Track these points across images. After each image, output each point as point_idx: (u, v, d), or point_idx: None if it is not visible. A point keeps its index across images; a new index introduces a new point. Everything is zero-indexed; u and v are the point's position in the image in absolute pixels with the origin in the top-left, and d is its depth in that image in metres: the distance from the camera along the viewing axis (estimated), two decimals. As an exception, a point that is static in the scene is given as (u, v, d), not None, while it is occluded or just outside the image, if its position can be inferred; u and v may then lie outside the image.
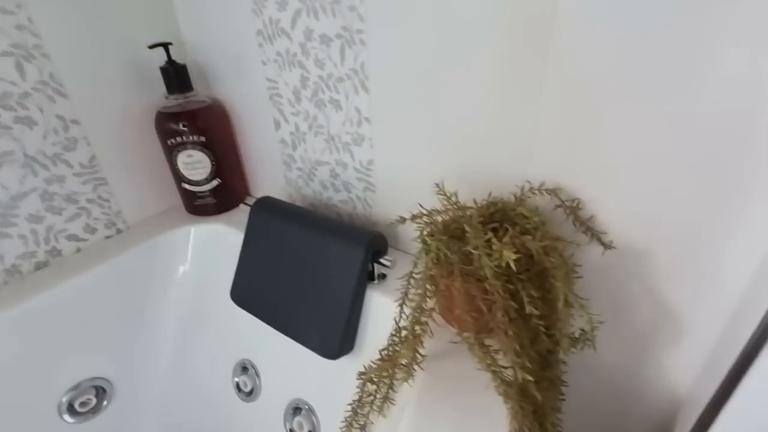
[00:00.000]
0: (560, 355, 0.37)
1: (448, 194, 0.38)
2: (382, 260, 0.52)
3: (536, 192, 0.40)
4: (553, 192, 0.39)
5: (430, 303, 0.39)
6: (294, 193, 0.70)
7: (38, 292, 0.58)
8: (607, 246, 0.40)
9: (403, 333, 0.40)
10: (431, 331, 0.38)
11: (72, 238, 0.64)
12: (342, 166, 0.60)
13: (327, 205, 0.66)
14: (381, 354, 0.43)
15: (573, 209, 0.40)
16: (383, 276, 0.56)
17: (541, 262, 0.36)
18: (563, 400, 0.47)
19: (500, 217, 0.38)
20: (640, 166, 0.36)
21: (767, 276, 0.32)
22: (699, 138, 0.33)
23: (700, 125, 0.32)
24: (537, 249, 0.34)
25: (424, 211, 0.37)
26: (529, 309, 0.35)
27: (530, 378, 0.35)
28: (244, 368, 0.68)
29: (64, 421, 0.62)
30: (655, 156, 0.35)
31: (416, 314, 0.38)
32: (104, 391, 0.65)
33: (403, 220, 0.36)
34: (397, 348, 0.40)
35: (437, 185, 0.38)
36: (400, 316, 0.41)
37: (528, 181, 0.41)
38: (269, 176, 0.72)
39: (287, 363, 0.62)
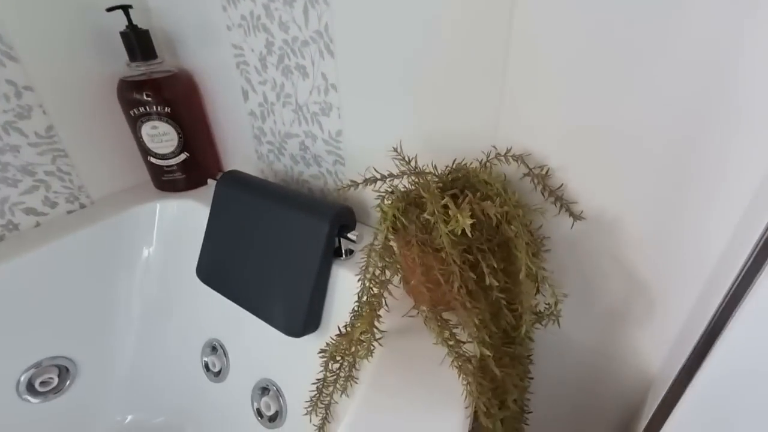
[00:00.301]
0: (524, 332, 0.35)
1: (407, 158, 0.35)
2: (349, 235, 0.50)
3: (502, 159, 0.37)
4: (520, 158, 0.37)
5: (388, 274, 0.36)
6: (266, 169, 0.67)
7: (-8, 264, 0.55)
8: (577, 217, 0.38)
9: (363, 307, 0.38)
10: (387, 305, 0.36)
11: (30, 211, 0.61)
12: (311, 138, 0.57)
13: (298, 180, 0.64)
14: (339, 330, 0.41)
15: (541, 177, 0.37)
16: (351, 252, 0.53)
17: (502, 231, 0.34)
18: (531, 378, 0.45)
19: (462, 184, 0.36)
20: (611, 131, 0.34)
21: (739, 249, 0.30)
22: (669, 102, 0.30)
23: (670, 88, 0.30)
24: (496, 215, 0.31)
25: (377, 176, 0.34)
26: (489, 281, 0.33)
27: (488, 353, 0.33)
28: (213, 348, 0.66)
29: (25, 400, 0.60)
30: (626, 121, 0.32)
31: (371, 287, 0.36)
32: (67, 370, 0.63)
33: (355, 184, 0.33)
34: (355, 323, 0.38)
35: (394, 149, 0.35)
36: (361, 291, 0.39)
37: (494, 147, 0.38)
38: (240, 151, 0.69)
39: (255, 342, 0.60)
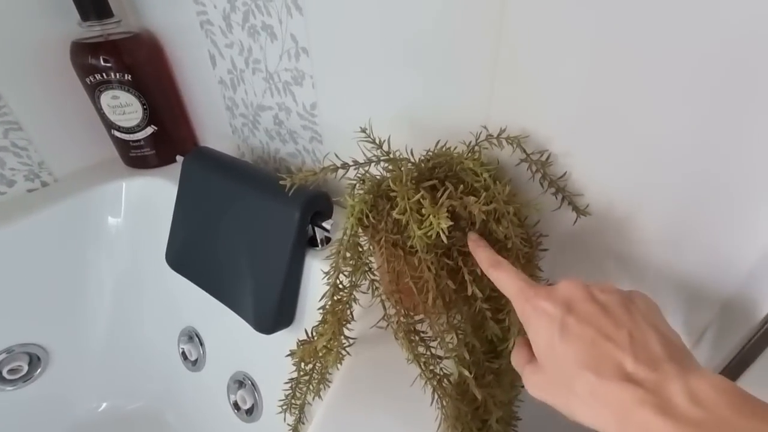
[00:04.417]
0: (512, 346, 0.30)
1: (377, 140, 0.29)
2: (323, 224, 0.45)
3: (495, 141, 0.31)
4: (516, 141, 0.30)
5: (355, 278, 0.31)
6: (242, 144, 0.61)
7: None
8: (581, 212, 0.32)
9: (326, 315, 0.33)
10: (352, 314, 0.31)
11: (-17, 190, 0.56)
12: (285, 111, 0.51)
13: (276, 159, 0.58)
14: (307, 333, 0.37)
15: (541, 164, 0.31)
16: (328, 240, 0.48)
17: (490, 231, 0.28)
18: (522, 387, 0.41)
19: (443, 173, 0.29)
20: (629, 111, 0.27)
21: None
22: (699, 75, 0.23)
23: (699, 58, 0.23)
24: (481, 214, 0.25)
25: (338, 163, 0.28)
26: (471, 290, 0.28)
27: (467, 373, 0.28)
28: (189, 336, 0.63)
29: (-7, 387, 0.58)
30: (647, 99, 0.26)
31: (335, 293, 0.31)
32: (39, 358, 0.61)
33: (313, 173, 0.27)
34: (319, 331, 0.34)
35: (362, 129, 0.29)
36: (325, 296, 0.34)
37: (485, 127, 0.32)
38: (214, 124, 0.63)
39: (230, 334, 0.57)
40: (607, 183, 0.30)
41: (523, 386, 0.41)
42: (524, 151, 0.31)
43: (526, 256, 0.29)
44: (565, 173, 0.32)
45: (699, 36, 0.23)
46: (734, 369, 0.29)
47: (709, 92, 0.24)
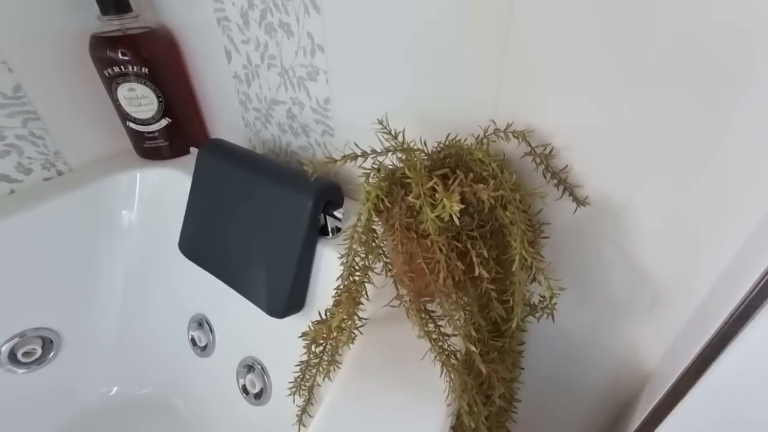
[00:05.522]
0: (515, 325, 0.32)
1: (393, 132, 0.31)
2: (335, 213, 0.47)
3: (501, 135, 0.33)
4: (522, 135, 0.32)
5: (370, 261, 0.33)
6: (253, 137, 0.63)
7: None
8: (581, 202, 0.34)
9: (343, 294, 0.35)
10: (367, 295, 0.33)
11: (2, 178, 0.58)
12: (299, 105, 0.53)
13: (287, 152, 0.60)
14: (320, 315, 0.39)
15: (544, 157, 0.33)
16: (338, 230, 0.50)
17: (496, 216, 0.30)
18: (522, 369, 0.43)
19: (453, 163, 0.32)
20: (626, 109, 0.29)
21: (757, 249, 0.26)
22: (691, 77, 0.26)
23: (692, 63, 0.25)
24: (489, 200, 0.28)
25: (358, 152, 0.30)
26: (479, 271, 0.30)
27: (474, 348, 0.30)
28: (199, 323, 0.65)
29: (9, 370, 0.59)
30: (643, 99, 0.28)
31: (351, 274, 0.33)
32: (51, 342, 0.62)
33: (333, 161, 0.29)
34: (334, 310, 0.36)
35: (379, 121, 0.31)
36: (341, 277, 0.36)
37: (493, 121, 0.34)
38: (227, 117, 0.65)
39: (240, 320, 0.59)
40: (605, 176, 0.33)
41: (523, 368, 0.44)
42: (529, 144, 0.33)
43: (530, 242, 0.31)
44: (566, 166, 0.34)
45: (692, 41, 0.25)
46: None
47: (695, 98, 0.26)
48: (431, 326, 0.31)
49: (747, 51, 0.24)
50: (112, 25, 0.56)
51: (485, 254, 0.30)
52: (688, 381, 0.28)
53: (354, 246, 0.33)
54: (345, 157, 0.30)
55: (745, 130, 0.26)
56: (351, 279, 0.33)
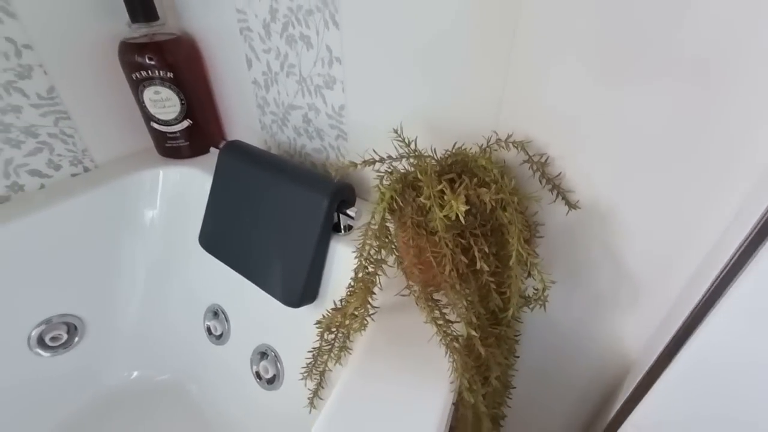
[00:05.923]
0: (511, 314, 0.37)
1: (407, 140, 0.35)
2: (348, 211, 0.51)
3: (503, 144, 0.37)
4: (521, 145, 0.37)
5: (383, 254, 0.37)
6: (269, 140, 0.67)
7: (-1, 224, 0.57)
8: (572, 206, 0.38)
9: (357, 284, 0.39)
10: (380, 284, 0.37)
11: (34, 173, 0.62)
12: (314, 111, 0.57)
13: (301, 153, 0.64)
14: (335, 304, 0.43)
15: (541, 165, 0.37)
16: (350, 227, 0.54)
17: (497, 217, 0.34)
18: (517, 357, 0.47)
19: (459, 169, 0.36)
20: (613, 123, 0.33)
21: (728, 244, 0.30)
22: (670, 94, 0.30)
23: (669, 85, 0.29)
24: (491, 202, 0.32)
25: (377, 158, 0.34)
26: (480, 265, 0.34)
27: (475, 333, 0.34)
28: (215, 313, 0.69)
29: (36, 354, 0.63)
30: (627, 114, 0.32)
31: (366, 266, 0.37)
32: (75, 328, 0.66)
33: (354, 165, 0.33)
34: (349, 299, 0.40)
35: (395, 130, 0.35)
36: (356, 268, 0.40)
37: (495, 132, 0.38)
38: (244, 120, 0.69)
39: (255, 310, 0.63)
40: (594, 182, 0.37)
41: (518, 356, 0.48)
42: (527, 153, 0.37)
43: (526, 240, 0.36)
44: (560, 173, 0.38)
45: (683, 49, 0.29)
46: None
47: (676, 111, 0.30)
48: (437, 313, 0.36)
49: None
50: (140, 32, 0.61)
51: (486, 250, 0.34)
52: (660, 367, 0.32)
53: (369, 241, 0.37)
54: (365, 162, 0.34)
55: (720, 142, 0.30)
56: (366, 270, 0.37)
